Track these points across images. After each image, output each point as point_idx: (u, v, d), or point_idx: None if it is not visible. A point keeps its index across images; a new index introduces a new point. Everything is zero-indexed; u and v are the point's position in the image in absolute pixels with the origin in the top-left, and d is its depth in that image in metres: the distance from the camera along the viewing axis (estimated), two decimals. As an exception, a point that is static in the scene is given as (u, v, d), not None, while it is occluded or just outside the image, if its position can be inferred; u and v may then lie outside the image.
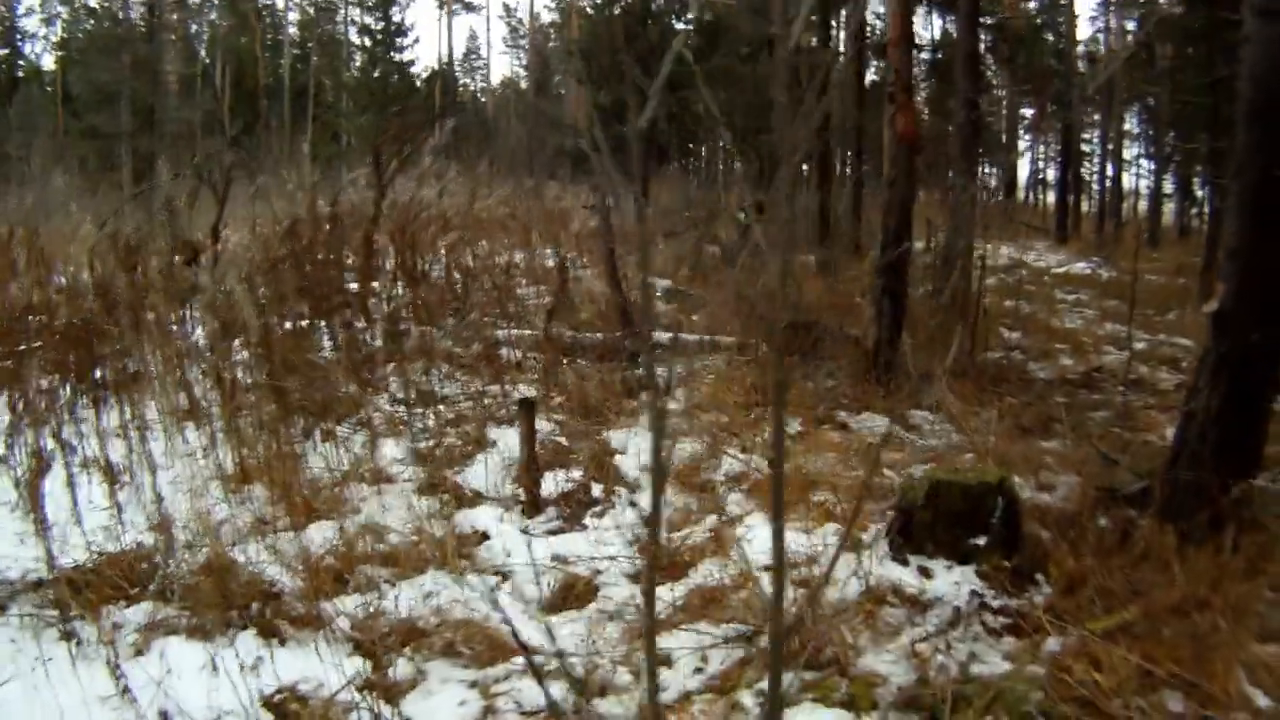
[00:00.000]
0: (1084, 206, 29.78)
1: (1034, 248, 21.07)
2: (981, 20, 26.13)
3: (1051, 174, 34.84)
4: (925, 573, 3.94)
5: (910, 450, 5.61)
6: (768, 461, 5.17)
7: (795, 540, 4.19)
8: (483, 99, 46.54)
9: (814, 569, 3.97)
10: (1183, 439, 4.80)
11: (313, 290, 7.61)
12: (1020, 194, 34.87)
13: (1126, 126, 33.45)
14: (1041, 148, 38.94)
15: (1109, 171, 28.31)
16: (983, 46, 26.85)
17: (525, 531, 4.58)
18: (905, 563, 4.00)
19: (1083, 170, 30.79)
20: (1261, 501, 4.59)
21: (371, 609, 3.65)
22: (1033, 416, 6.54)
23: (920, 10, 23.90)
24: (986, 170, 39.65)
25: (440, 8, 42.13)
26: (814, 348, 7.04)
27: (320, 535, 4.28)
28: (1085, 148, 32.92)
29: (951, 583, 3.87)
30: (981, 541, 3.99)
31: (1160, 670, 3.25)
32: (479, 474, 5.15)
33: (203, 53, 33.76)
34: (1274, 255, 4.50)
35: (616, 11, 21.08)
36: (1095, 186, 29.83)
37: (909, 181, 7.09)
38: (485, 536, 4.50)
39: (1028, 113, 35.24)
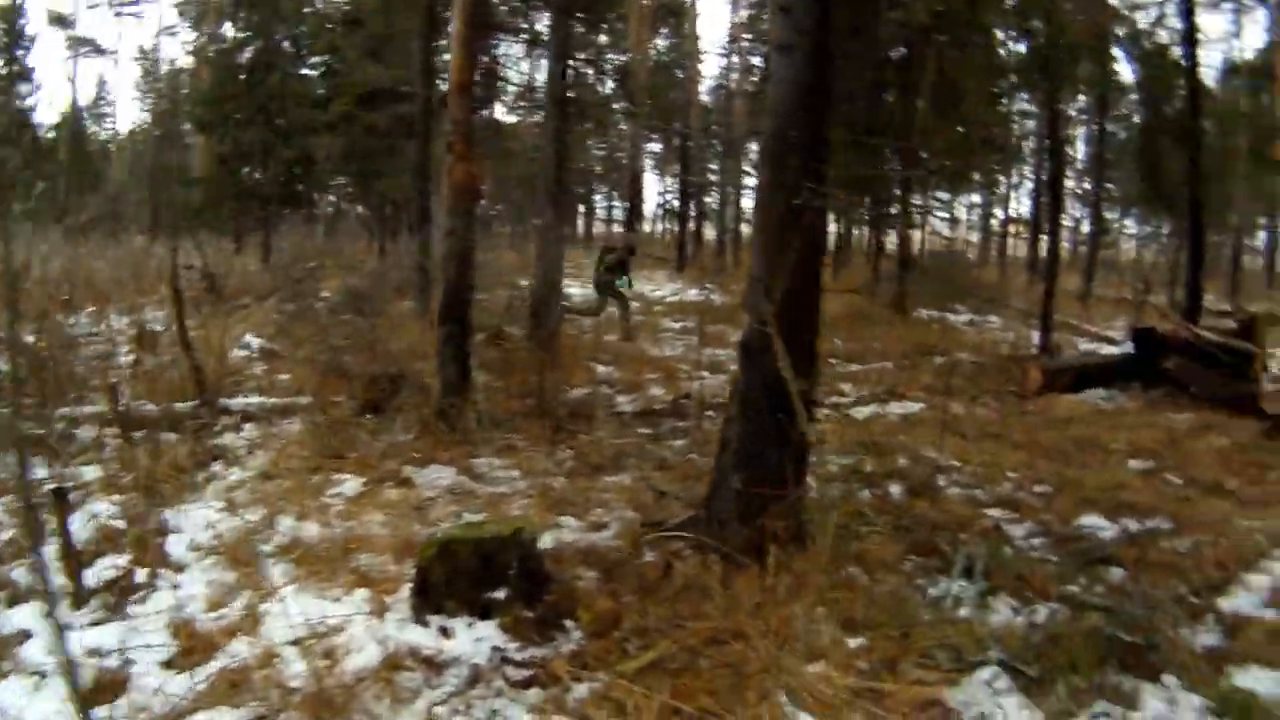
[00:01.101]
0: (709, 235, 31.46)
1: (652, 278, 22.04)
2: (606, 60, 27.32)
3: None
4: (445, 632, 3.97)
5: (468, 500, 5.65)
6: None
7: (324, 609, 4.14)
8: (110, 148, 43.09)
9: (338, 638, 3.92)
10: (720, 467, 5.04)
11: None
12: (646, 225, 36.41)
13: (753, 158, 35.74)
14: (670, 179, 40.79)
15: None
16: (610, 85, 27.98)
17: (66, 627, 4.26)
18: (426, 624, 4.01)
19: (708, 199, 32.55)
20: (811, 515, 4.84)
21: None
22: (605, 452, 6.75)
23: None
24: (613, 203, 41.45)
25: (69, 50, 38.35)
26: (392, 398, 6.95)
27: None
28: (712, 178, 34.73)
29: (473, 640, 3.92)
30: (501, 595, 4.06)
31: (690, 707, 3.38)
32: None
33: None
34: (794, 285, 4.76)
35: (241, 60, 20.43)
36: (719, 215, 31.58)
37: (468, 231, 7.20)
38: (29, 635, 4.17)
39: (656, 147, 36.93)
